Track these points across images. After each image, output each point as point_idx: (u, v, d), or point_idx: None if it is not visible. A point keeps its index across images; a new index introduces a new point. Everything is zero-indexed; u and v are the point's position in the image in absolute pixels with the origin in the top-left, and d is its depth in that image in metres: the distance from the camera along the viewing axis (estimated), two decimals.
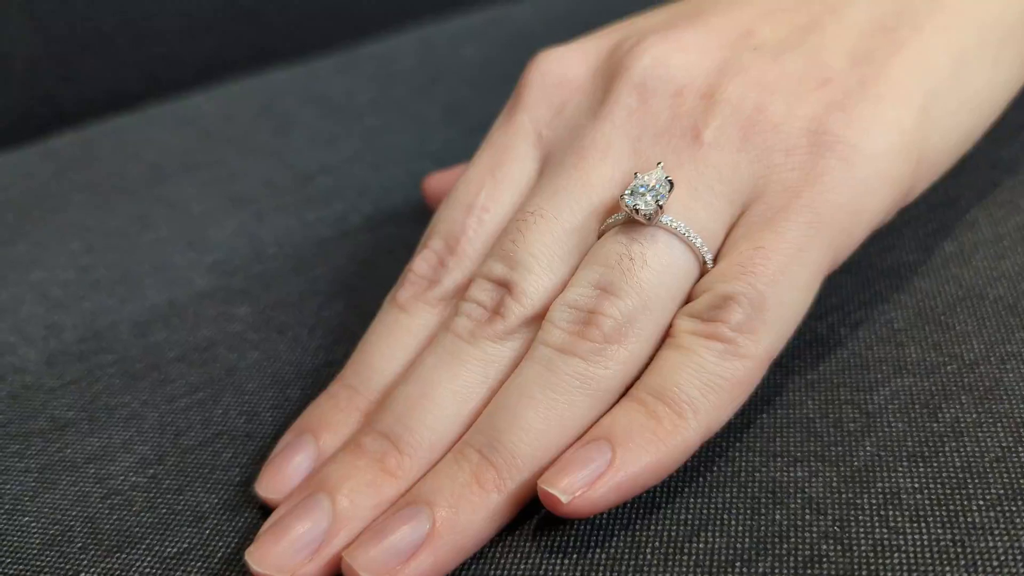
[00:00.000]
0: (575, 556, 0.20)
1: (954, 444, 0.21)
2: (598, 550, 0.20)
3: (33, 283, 0.32)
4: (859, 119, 0.21)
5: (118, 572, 0.21)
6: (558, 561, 0.20)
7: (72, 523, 0.23)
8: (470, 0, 0.51)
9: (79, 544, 0.22)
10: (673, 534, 0.20)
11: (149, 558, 0.22)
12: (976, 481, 0.20)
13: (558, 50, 0.25)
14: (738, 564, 0.20)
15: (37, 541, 0.23)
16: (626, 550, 0.20)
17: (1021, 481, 0.20)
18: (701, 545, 0.20)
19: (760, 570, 0.19)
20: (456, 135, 0.38)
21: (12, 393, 0.27)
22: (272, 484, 0.22)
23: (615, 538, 0.20)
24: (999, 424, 0.22)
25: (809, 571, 0.19)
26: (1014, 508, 0.20)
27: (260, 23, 0.51)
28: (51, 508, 0.23)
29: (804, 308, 0.21)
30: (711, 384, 0.20)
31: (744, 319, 0.20)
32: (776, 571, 0.19)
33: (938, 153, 0.23)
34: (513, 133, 0.24)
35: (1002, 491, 0.20)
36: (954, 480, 0.21)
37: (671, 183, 0.21)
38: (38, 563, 0.22)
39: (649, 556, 0.20)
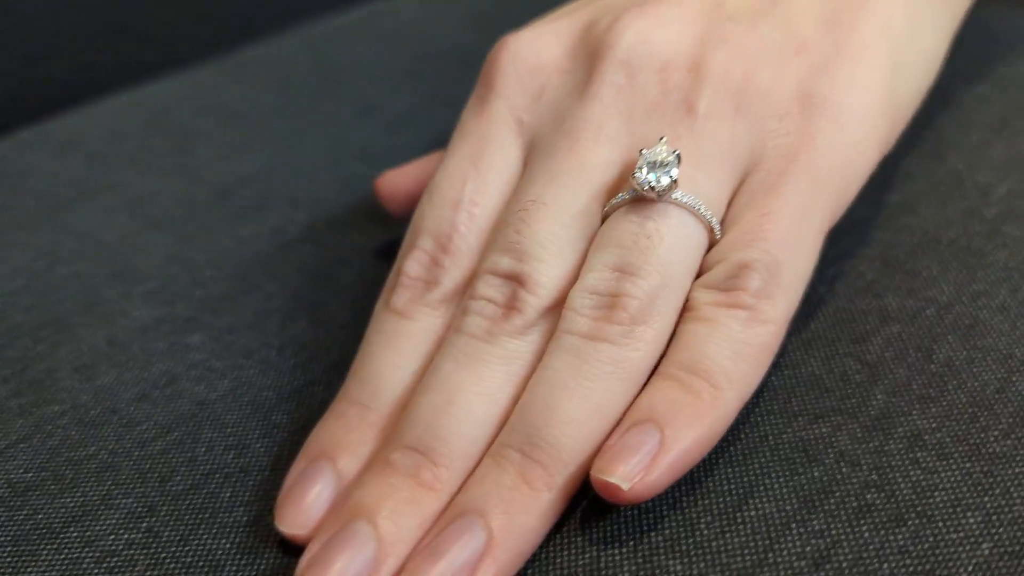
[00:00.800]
0: (632, 543, 0.20)
1: (955, 382, 0.23)
2: (653, 534, 0.20)
3: None
4: (841, 81, 0.22)
5: None
6: (616, 551, 0.20)
7: None
8: None
9: None
10: (722, 506, 0.21)
11: None
12: (986, 414, 0.22)
13: (527, 33, 0.24)
14: (793, 526, 0.20)
15: None
16: (680, 529, 0.20)
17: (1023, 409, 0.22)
18: (752, 512, 0.20)
19: (816, 527, 0.20)
20: (376, 133, 0.37)
21: None
22: (294, 518, 0.21)
23: (667, 519, 0.20)
24: (989, 358, 0.23)
25: (862, 522, 0.20)
26: (1022, 435, 0.21)
27: (126, 35, 0.47)
28: None
29: (812, 267, 0.22)
30: (740, 352, 0.20)
31: (762, 284, 0.21)
32: (831, 527, 0.20)
33: (904, 108, 0.24)
34: (491, 122, 0.24)
35: (1011, 420, 0.21)
36: (966, 416, 0.22)
37: (679, 156, 0.21)
38: None
39: (705, 531, 0.20)
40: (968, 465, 0.21)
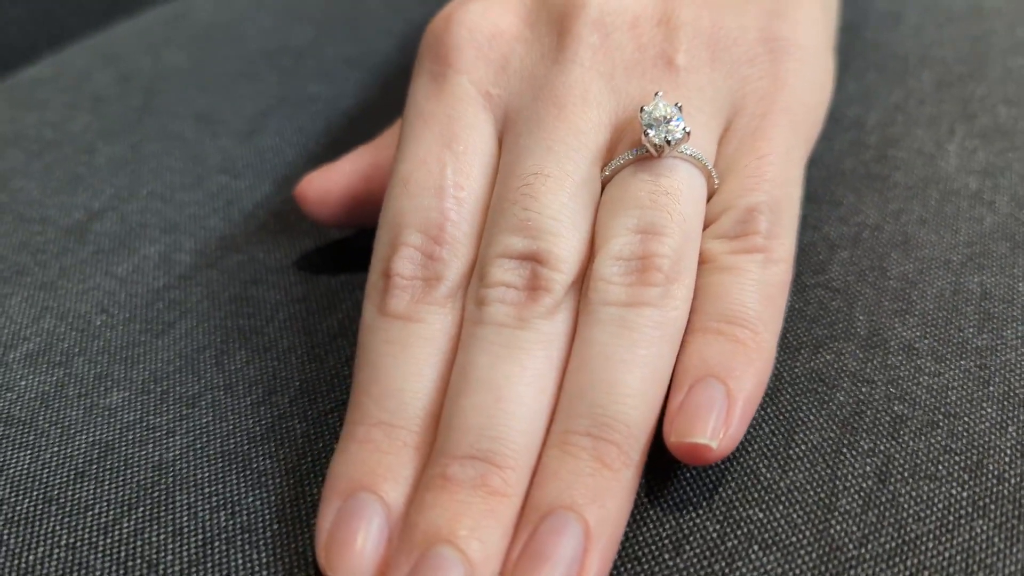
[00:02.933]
0: (706, 503, 0.20)
1: (917, 292, 0.24)
2: (721, 489, 0.20)
3: None
4: (795, 21, 0.23)
5: None
6: (693, 513, 0.19)
7: None
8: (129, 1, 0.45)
9: None
10: (772, 446, 0.21)
11: None
12: (957, 316, 0.24)
13: (474, 5, 0.23)
14: (844, 451, 0.21)
15: None
16: (745, 478, 0.20)
17: (984, 305, 0.24)
18: (801, 447, 0.21)
19: (865, 447, 0.21)
20: (229, 144, 0.33)
21: None
22: (349, 564, 0.18)
23: (727, 472, 0.20)
24: (933, 267, 0.25)
25: (902, 432, 0.21)
26: (996, 325, 0.23)
27: None
28: None
29: (800, 200, 0.22)
30: (765, 293, 0.21)
31: (770, 225, 0.21)
32: (878, 444, 0.21)
33: (832, 44, 0.25)
34: (456, 99, 0.22)
35: (979, 316, 0.23)
36: (940, 320, 0.23)
37: (680, 108, 0.20)
38: None
39: (767, 474, 0.20)
40: (963, 363, 0.22)
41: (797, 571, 0.18)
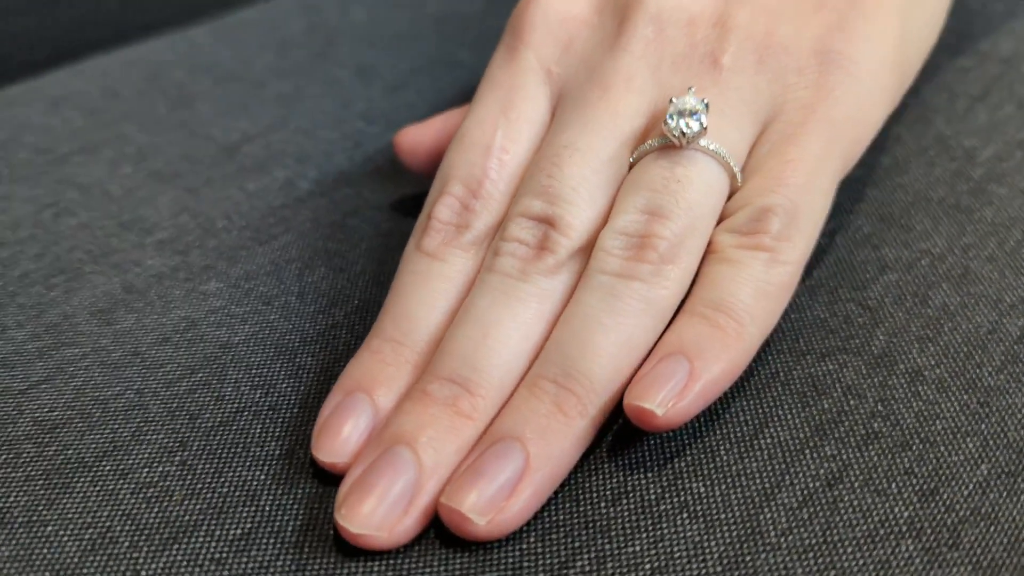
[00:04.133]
0: (656, 468, 0.21)
1: (950, 324, 0.24)
2: (676, 459, 0.21)
3: None
4: (856, 37, 0.23)
5: (183, 562, 0.20)
6: (642, 475, 0.21)
7: (108, 523, 0.21)
8: None
9: (125, 543, 0.21)
10: (740, 434, 0.22)
11: (213, 543, 0.20)
12: (980, 352, 0.23)
13: None
14: (807, 451, 0.21)
15: (73, 549, 0.21)
16: (702, 455, 0.21)
17: (1015, 347, 0.23)
18: (768, 440, 0.22)
19: (828, 452, 0.21)
20: (377, 95, 0.38)
21: None
22: (332, 447, 0.21)
23: (689, 447, 0.22)
24: (980, 303, 0.25)
25: (870, 447, 0.21)
26: (1018, 369, 0.23)
27: None
28: (76, 512, 0.21)
29: (827, 212, 0.23)
30: (762, 291, 0.22)
31: (782, 227, 0.22)
32: (842, 452, 0.21)
33: (910, 66, 0.26)
34: (521, 72, 0.24)
35: (1004, 357, 0.23)
36: (962, 354, 0.23)
37: (707, 105, 0.22)
38: (84, 571, 0.20)
39: (725, 456, 0.21)
40: (966, 397, 0.22)
41: (714, 543, 0.20)
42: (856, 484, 0.20)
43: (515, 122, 0.24)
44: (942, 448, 0.21)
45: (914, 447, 0.21)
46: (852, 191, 0.29)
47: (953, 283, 0.25)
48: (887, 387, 0.23)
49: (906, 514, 0.20)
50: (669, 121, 0.22)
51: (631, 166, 0.23)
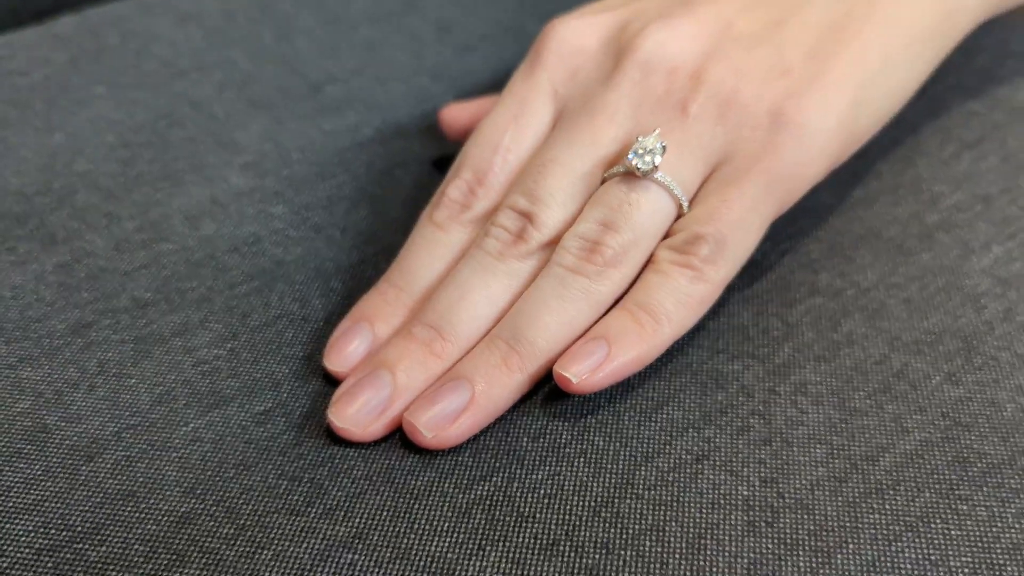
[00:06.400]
0: (571, 421, 0.28)
1: (848, 350, 0.29)
2: (588, 416, 0.28)
3: (80, 173, 0.37)
4: (809, 105, 0.28)
5: (219, 424, 0.28)
6: (559, 423, 0.28)
7: (172, 385, 0.29)
8: None
9: (183, 402, 0.28)
10: (643, 407, 0.28)
11: (242, 414, 0.28)
12: (860, 378, 0.28)
13: (572, 21, 0.31)
14: (690, 431, 0.27)
15: (146, 399, 0.28)
16: (609, 417, 0.28)
17: (891, 379, 0.28)
18: (664, 415, 0.28)
19: (706, 435, 0.27)
20: (449, 53, 0.43)
21: (90, 274, 0.32)
22: (338, 360, 0.28)
23: (601, 410, 0.28)
24: (879, 337, 0.30)
25: (741, 437, 0.27)
26: (884, 398, 0.28)
27: None
28: (152, 373, 0.29)
29: (753, 246, 0.28)
30: (682, 300, 0.27)
31: (710, 253, 0.27)
32: (717, 437, 0.27)
33: (863, 131, 0.30)
34: (534, 88, 0.30)
35: (878, 386, 0.28)
36: (844, 376, 0.29)
37: (664, 147, 0.27)
38: (152, 416, 0.28)
39: (627, 421, 0.28)
40: (831, 412, 0.28)
41: (596, 485, 0.26)
42: (717, 463, 0.26)
43: (522, 129, 0.30)
44: (795, 449, 0.27)
45: (773, 444, 0.27)
46: (816, 216, 0.34)
47: (866, 315, 0.30)
48: (774, 392, 0.28)
49: (745, 493, 0.26)
50: (631, 156, 0.27)
51: (602, 182, 0.29)
